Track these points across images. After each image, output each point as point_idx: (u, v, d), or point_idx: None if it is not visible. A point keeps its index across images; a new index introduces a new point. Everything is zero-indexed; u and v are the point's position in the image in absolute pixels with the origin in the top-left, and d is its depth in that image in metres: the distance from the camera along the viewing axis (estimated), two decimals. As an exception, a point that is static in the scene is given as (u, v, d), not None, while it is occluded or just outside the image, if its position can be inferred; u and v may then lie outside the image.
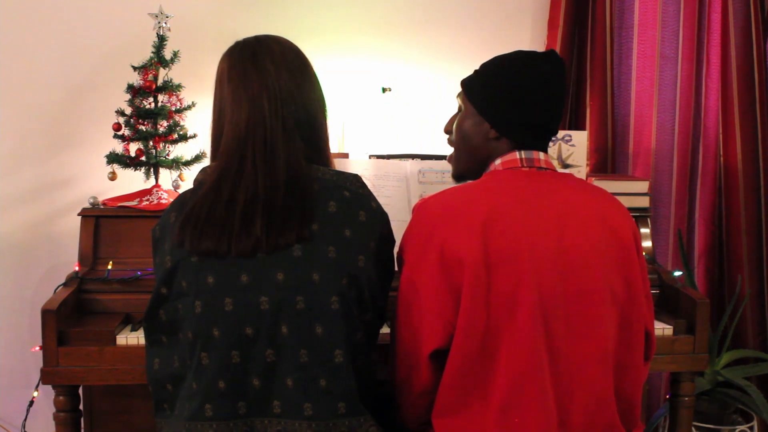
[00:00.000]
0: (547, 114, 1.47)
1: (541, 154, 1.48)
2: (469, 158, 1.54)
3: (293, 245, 1.31)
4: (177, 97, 2.21)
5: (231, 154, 1.37)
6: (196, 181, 1.42)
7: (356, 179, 1.42)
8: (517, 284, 1.31)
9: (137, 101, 2.18)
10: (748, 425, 2.54)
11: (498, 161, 1.48)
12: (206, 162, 2.20)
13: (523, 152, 1.46)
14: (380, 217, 1.42)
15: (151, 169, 2.22)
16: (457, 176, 1.60)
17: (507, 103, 1.46)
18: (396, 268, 1.47)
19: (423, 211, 1.42)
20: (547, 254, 1.33)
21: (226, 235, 1.31)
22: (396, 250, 1.46)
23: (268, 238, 1.31)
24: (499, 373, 1.32)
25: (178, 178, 2.25)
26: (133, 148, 2.20)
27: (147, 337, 1.45)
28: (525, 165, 1.46)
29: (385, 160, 2.21)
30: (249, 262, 1.32)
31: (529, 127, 1.46)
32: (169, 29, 2.22)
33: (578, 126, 2.67)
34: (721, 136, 2.72)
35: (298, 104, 1.38)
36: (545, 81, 1.45)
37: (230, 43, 1.46)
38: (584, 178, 2.32)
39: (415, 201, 2.17)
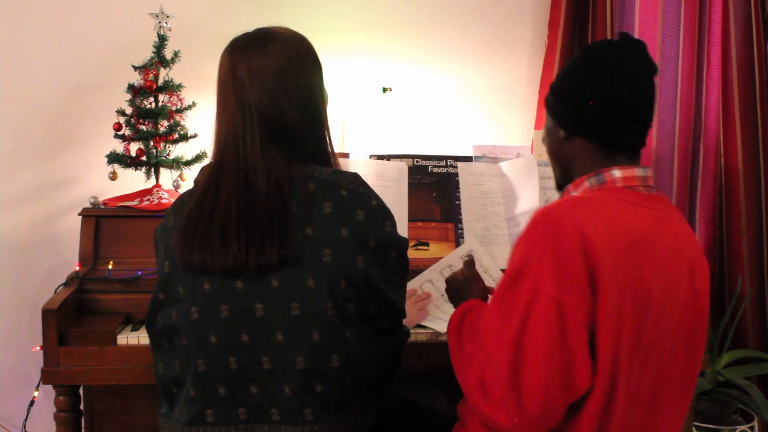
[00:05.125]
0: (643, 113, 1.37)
1: (650, 171, 1.39)
2: (554, 163, 1.46)
3: (273, 272, 1.30)
4: (177, 96, 2.21)
5: (215, 165, 1.37)
6: (195, 182, 1.43)
7: (355, 177, 1.40)
8: (634, 321, 1.25)
9: (138, 101, 2.18)
10: (749, 425, 2.54)
11: (618, 173, 1.35)
12: (207, 162, 2.21)
13: (641, 170, 1.36)
14: (381, 215, 1.39)
15: (152, 169, 2.22)
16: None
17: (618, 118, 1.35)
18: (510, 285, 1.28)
19: (568, 222, 1.24)
20: (654, 292, 1.27)
21: (210, 254, 1.31)
22: (512, 264, 1.29)
23: (248, 257, 1.29)
24: (614, 418, 1.27)
25: (179, 178, 2.25)
26: (134, 147, 2.20)
27: (150, 340, 1.46)
28: (641, 184, 1.36)
29: (385, 160, 2.21)
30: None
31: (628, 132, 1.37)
32: (170, 29, 2.22)
33: (579, 126, 2.67)
34: (721, 135, 2.71)
35: (272, 118, 1.35)
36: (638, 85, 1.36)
37: (230, 43, 1.46)
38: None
39: (414, 201, 2.18)
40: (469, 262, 1.61)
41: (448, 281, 1.67)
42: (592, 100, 1.34)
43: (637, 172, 1.35)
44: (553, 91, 1.42)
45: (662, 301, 1.28)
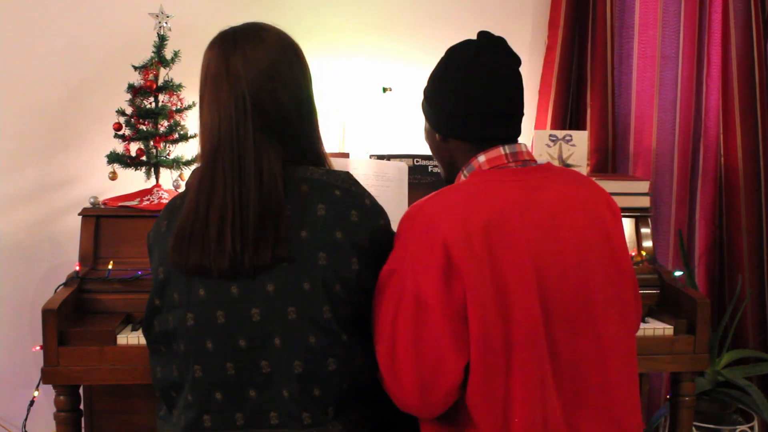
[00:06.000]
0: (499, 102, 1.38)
1: (523, 146, 1.39)
2: (438, 162, 1.51)
3: (268, 275, 1.29)
4: (177, 96, 2.21)
5: (206, 166, 1.34)
6: (186, 185, 1.41)
7: (348, 176, 1.38)
8: (523, 291, 1.26)
9: (138, 101, 2.19)
10: (749, 425, 2.54)
11: (482, 158, 1.37)
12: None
13: (507, 147, 1.37)
14: (375, 213, 1.38)
15: (152, 169, 2.22)
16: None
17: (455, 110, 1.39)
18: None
19: (422, 216, 1.31)
20: (547, 258, 1.28)
21: (207, 255, 1.29)
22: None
23: (243, 257, 1.28)
24: (515, 388, 1.27)
25: (179, 178, 2.25)
26: (134, 147, 2.20)
27: (148, 345, 1.45)
28: (511, 161, 1.37)
29: (385, 160, 2.21)
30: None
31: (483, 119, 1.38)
32: (170, 29, 2.22)
33: (579, 126, 2.67)
34: (721, 135, 2.71)
35: (268, 108, 1.33)
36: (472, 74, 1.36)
37: (230, 42, 1.45)
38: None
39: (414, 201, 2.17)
40: None
41: None
42: (458, 103, 1.37)
43: (503, 150, 1.36)
44: (425, 95, 1.45)
45: (566, 267, 1.28)
